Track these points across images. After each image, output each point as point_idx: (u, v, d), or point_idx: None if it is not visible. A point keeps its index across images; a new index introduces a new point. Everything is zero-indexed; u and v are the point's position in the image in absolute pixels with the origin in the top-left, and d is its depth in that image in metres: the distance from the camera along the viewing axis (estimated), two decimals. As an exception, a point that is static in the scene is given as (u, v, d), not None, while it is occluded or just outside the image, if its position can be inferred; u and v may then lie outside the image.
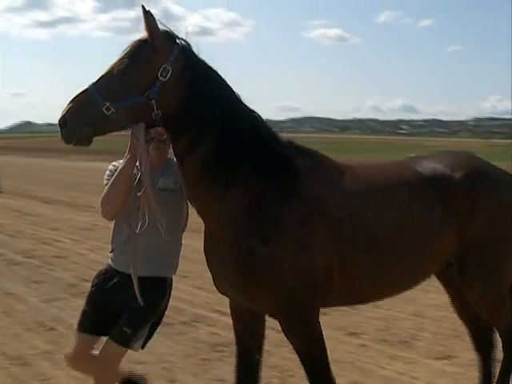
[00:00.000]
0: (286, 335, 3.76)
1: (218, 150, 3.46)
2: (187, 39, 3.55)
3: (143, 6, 3.36)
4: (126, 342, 3.88)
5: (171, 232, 3.76)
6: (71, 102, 3.44)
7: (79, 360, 4.02)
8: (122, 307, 3.89)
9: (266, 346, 6.26)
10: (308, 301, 3.64)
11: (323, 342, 3.73)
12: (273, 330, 6.83)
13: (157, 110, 3.39)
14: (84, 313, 4.02)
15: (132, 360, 5.85)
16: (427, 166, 4.01)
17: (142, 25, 3.44)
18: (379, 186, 3.87)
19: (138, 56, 3.43)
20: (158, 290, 3.97)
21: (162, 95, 3.39)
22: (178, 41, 3.50)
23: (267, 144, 3.58)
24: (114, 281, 3.95)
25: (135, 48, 3.47)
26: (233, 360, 5.95)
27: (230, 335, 6.49)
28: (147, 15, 3.38)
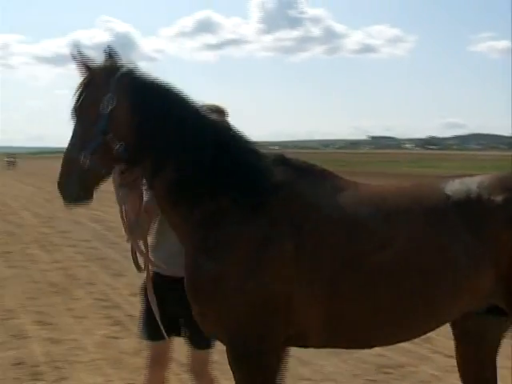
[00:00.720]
0: (230, 367, 3.42)
1: (180, 171, 3.33)
2: (135, 64, 3.45)
3: (72, 47, 3.37)
4: (210, 344, 4.14)
5: None
6: (62, 162, 3.47)
7: (165, 366, 4.29)
8: (185, 311, 3.82)
9: (434, 371, 6.12)
10: (258, 331, 3.24)
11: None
12: (440, 354, 6.65)
13: (118, 141, 3.32)
14: (150, 324, 4.07)
15: (298, 376, 5.90)
16: (458, 188, 3.38)
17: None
18: (388, 208, 3.32)
19: (84, 96, 3.40)
20: None
21: (115, 125, 3.31)
22: (120, 69, 3.38)
23: (235, 159, 3.35)
24: (169, 287, 3.99)
25: (81, 89, 3.43)
26: (399, 383, 5.86)
27: (398, 357, 6.43)
28: (75, 56, 3.37)
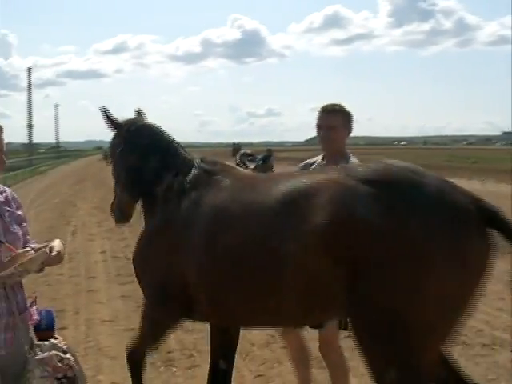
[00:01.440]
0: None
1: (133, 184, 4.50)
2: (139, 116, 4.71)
3: (101, 109, 4.53)
4: (322, 324, 4.39)
5: None
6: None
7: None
8: None
9: None
10: (161, 296, 4.06)
11: (147, 341, 4.43)
12: None
13: (125, 173, 4.48)
14: None
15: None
16: (324, 176, 3.34)
17: None
18: (252, 198, 3.60)
19: (113, 143, 4.62)
20: None
21: (122, 160, 4.50)
22: (129, 122, 4.56)
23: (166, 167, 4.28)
24: None
25: (112, 139, 4.65)
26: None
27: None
28: (104, 115, 4.52)
